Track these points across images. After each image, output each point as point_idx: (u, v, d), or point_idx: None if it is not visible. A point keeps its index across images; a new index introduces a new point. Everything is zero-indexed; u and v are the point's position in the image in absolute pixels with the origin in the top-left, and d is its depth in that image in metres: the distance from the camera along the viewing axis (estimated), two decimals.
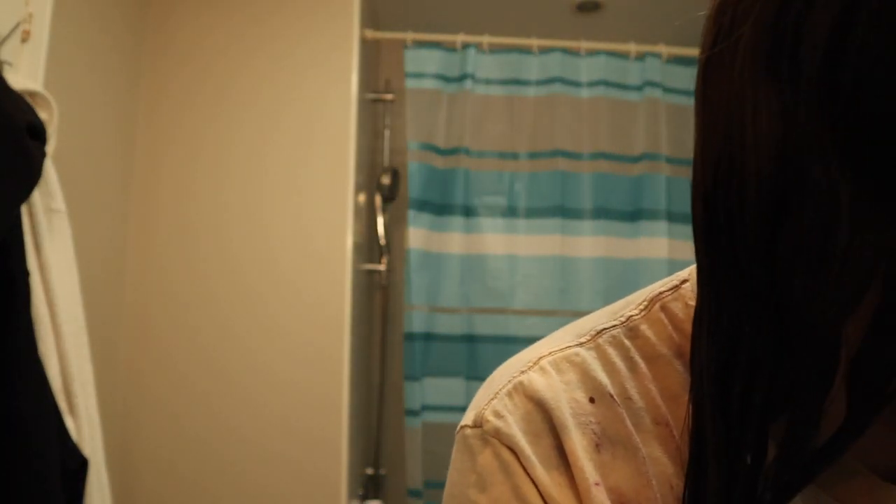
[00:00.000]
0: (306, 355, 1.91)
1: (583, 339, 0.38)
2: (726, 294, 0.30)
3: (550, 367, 0.37)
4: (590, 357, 0.37)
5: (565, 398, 0.36)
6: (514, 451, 0.35)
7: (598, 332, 0.39)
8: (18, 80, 1.25)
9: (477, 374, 2.11)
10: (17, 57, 1.35)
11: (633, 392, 0.36)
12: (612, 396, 0.36)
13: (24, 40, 1.36)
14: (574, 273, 2.15)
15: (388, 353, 2.57)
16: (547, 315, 2.11)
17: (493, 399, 0.37)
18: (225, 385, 1.89)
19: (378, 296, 2.62)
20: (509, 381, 0.37)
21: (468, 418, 0.38)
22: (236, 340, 1.91)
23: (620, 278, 2.14)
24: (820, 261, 0.26)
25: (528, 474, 0.35)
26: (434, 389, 2.12)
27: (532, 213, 2.19)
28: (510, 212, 2.20)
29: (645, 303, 0.39)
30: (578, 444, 0.35)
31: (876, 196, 0.25)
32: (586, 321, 0.40)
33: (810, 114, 0.25)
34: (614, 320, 0.39)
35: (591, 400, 0.36)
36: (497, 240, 2.17)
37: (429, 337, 2.14)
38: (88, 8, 1.68)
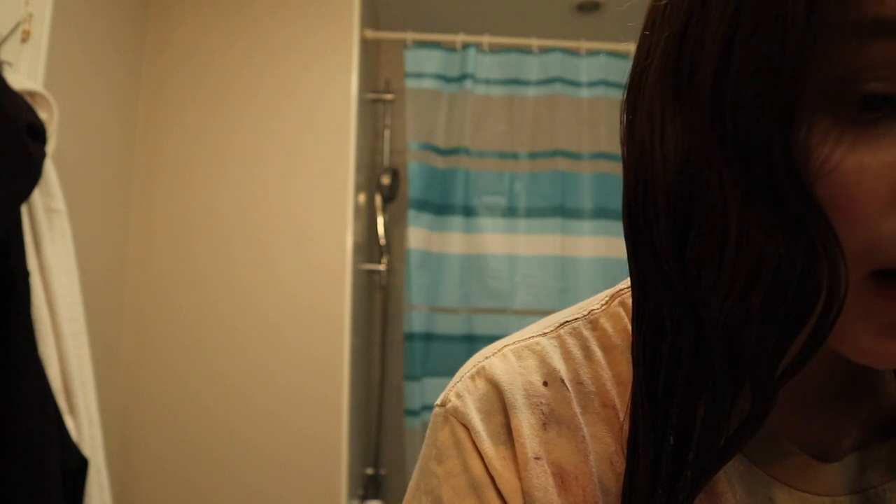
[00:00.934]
0: (306, 355, 1.91)
1: (546, 330, 0.43)
2: (650, 293, 0.34)
3: (511, 353, 0.42)
4: (550, 346, 0.42)
5: (520, 381, 0.40)
6: (467, 428, 0.40)
7: (561, 324, 0.43)
8: (18, 80, 1.25)
9: None
10: (17, 57, 1.35)
11: (586, 377, 0.40)
12: (563, 381, 0.40)
13: (24, 40, 1.37)
14: (574, 273, 2.15)
15: (388, 353, 2.57)
16: (547, 315, 2.11)
17: (459, 382, 0.42)
18: (224, 385, 1.89)
19: (378, 296, 2.62)
20: (474, 367, 0.43)
21: (439, 398, 0.43)
22: (236, 340, 1.91)
23: (620, 278, 2.10)
24: (717, 267, 0.30)
25: (476, 449, 0.39)
26: (434, 389, 2.12)
27: (532, 213, 2.19)
28: (510, 212, 2.20)
29: (606, 298, 0.44)
30: (526, 423, 0.39)
31: (758, 207, 0.28)
32: (555, 315, 0.45)
33: (704, 134, 0.29)
34: (578, 314, 0.44)
35: (545, 383, 0.40)
36: (497, 240, 2.17)
37: (429, 337, 2.14)
38: (88, 8, 1.68)
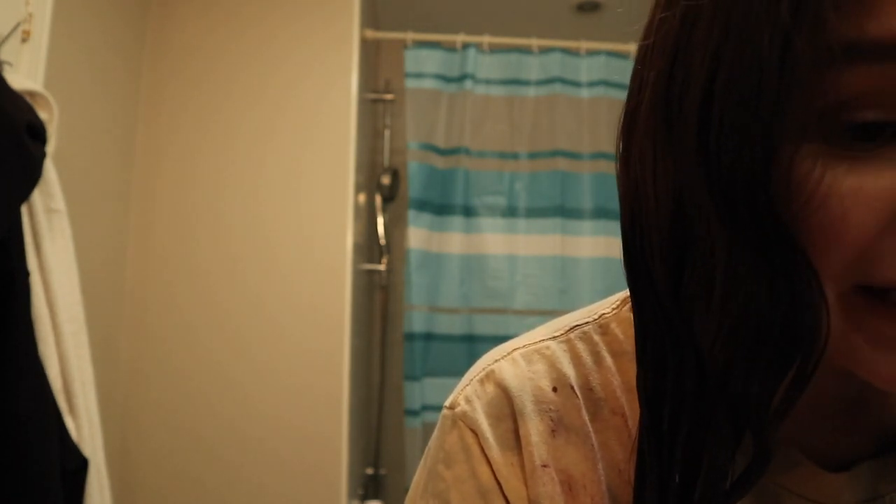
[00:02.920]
0: (306, 355, 1.91)
1: (556, 334, 0.42)
2: (650, 330, 0.33)
3: (521, 357, 0.41)
4: (559, 350, 0.41)
5: (529, 386, 0.40)
6: (476, 433, 0.39)
7: (571, 328, 0.43)
8: (18, 80, 1.25)
9: None
10: (17, 57, 1.35)
11: (596, 384, 0.40)
12: (572, 387, 0.40)
13: (24, 40, 1.37)
14: (574, 273, 2.15)
15: (388, 353, 2.57)
16: (547, 315, 2.10)
17: (468, 385, 0.42)
18: (225, 385, 1.89)
19: (378, 296, 2.62)
20: (483, 370, 0.42)
21: (448, 400, 0.42)
22: (236, 340, 1.91)
23: (620, 278, 2.09)
24: (706, 310, 0.30)
25: (485, 455, 0.39)
26: (434, 389, 2.12)
27: (532, 213, 2.19)
28: (510, 212, 2.20)
29: (617, 303, 0.43)
30: (534, 430, 0.39)
31: (744, 251, 0.28)
32: (565, 318, 0.44)
33: (692, 176, 0.29)
34: (588, 317, 0.43)
35: (554, 389, 0.40)
36: (497, 240, 2.17)
37: (429, 337, 2.14)
38: (88, 8, 1.68)
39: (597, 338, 0.42)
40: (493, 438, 0.39)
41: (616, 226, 1.89)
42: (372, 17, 2.37)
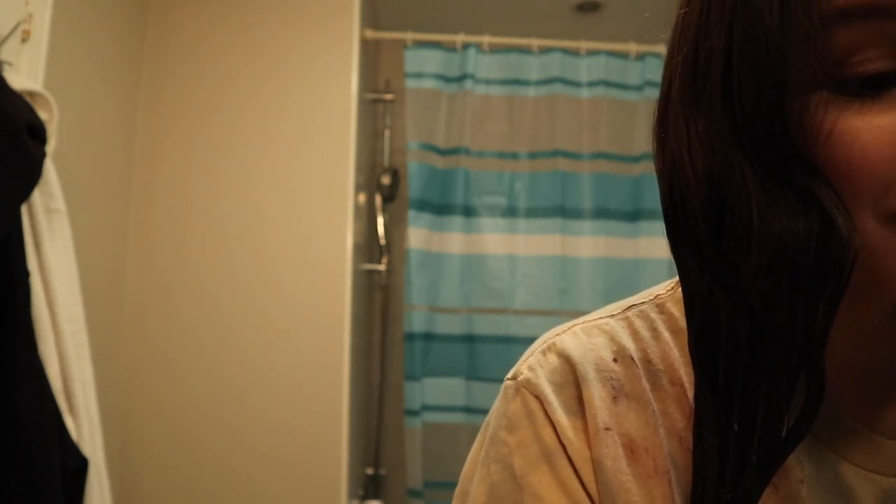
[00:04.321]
0: (306, 356, 1.91)
1: (614, 313, 0.45)
2: (697, 291, 0.36)
3: (581, 331, 0.44)
4: (618, 326, 0.43)
5: (591, 356, 0.42)
6: (539, 399, 0.41)
7: (628, 307, 0.45)
8: (18, 80, 1.25)
9: (477, 374, 2.11)
10: (17, 57, 1.35)
11: (654, 356, 0.42)
12: (632, 359, 0.42)
13: (24, 40, 1.37)
14: (574, 273, 2.15)
15: (388, 353, 2.57)
16: (547, 315, 2.11)
17: (530, 356, 0.44)
18: (224, 385, 1.89)
19: (378, 296, 2.62)
20: (545, 342, 0.44)
21: (510, 373, 0.44)
22: (236, 340, 1.91)
23: (620, 278, 2.14)
24: (747, 253, 0.33)
25: (549, 419, 0.40)
26: (434, 389, 2.12)
27: (532, 213, 2.19)
28: (510, 212, 2.20)
29: (673, 284, 0.46)
30: (597, 395, 0.40)
31: (774, 188, 0.32)
32: (622, 301, 0.46)
33: (721, 133, 0.33)
34: (645, 298, 0.45)
35: (615, 360, 0.42)
36: (497, 240, 2.17)
37: (429, 337, 2.14)
38: (88, 8, 1.68)
39: (654, 315, 0.44)
40: (556, 403, 0.40)
41: (616, 226, 1.90)
42: (372, 17, 2.37)
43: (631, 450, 0.39)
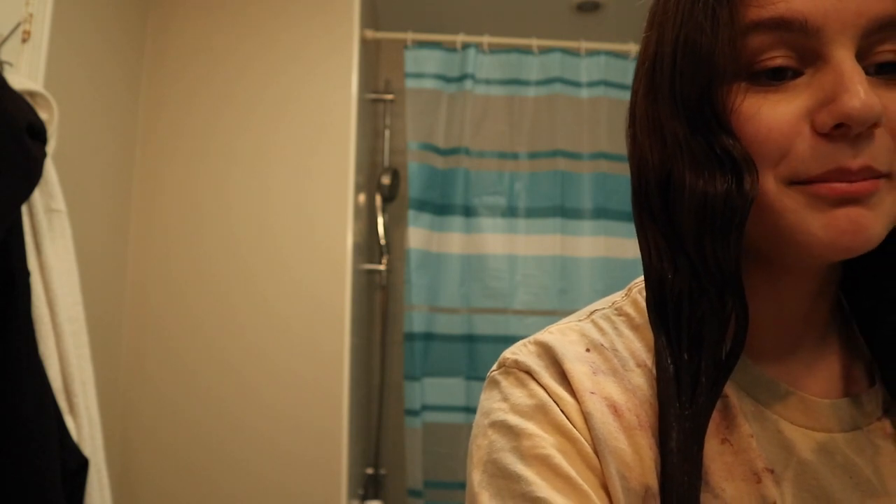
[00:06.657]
0: (307, 355, 1.91)
1: (580, 318, 0.52)
2: (653, 249, 0.45)
3: (556, 331, 0.51)
4: (586, 326, 0.51)
5: (568, 347, 0.48)
6: (529, 372, 0.47)
7: (591, 312, 0.52)
8: (18, 80, 1.25)
9: (477, 374, 2.11)
10: (17, 57, 1.35)
11: (620, 347, 0.49)
12: (603, 346, 0.49)
13: (24, 40, 1.37)
14: (574, 273, 2.15)
15: (388, 353, 2.57)
16: (547, 315, 2.11)
17: (513, 348, 0.50)
18: (226, 385, 1.89)
19: (378, 296, 2.62)
20: (522, 342, 0.51)
21: (494, 365, 0.51)
22: (238, 340, 1.91)
23: (620, 278, 2.13)
24: (681, 206, 0.43)
25: (540, 384, 0.46)
26: (434, 389, 2.12)
27: (532, 213, 2.19)
28: (510, 212, 2.20)
29: (625, 291, 0.54)
30: (578, 370, 0.46)
31: (702, 146, 0.42)
32: (586, 308, 0.54)
33: (668, 114, 0.44)
34: (604, 305, 0.53)
35: (587, 350, 0.48)
36: (497, 240, 2.17)
37: (429, 337, 2.14)
38: (88, 8, 1.68)
39: (614, 318, 0.51)
40: (544, 373, 0.47)
41: (616, 226, 1.90)
42: (372, 17, 2.37)
43: (615, 408, 0.45)
